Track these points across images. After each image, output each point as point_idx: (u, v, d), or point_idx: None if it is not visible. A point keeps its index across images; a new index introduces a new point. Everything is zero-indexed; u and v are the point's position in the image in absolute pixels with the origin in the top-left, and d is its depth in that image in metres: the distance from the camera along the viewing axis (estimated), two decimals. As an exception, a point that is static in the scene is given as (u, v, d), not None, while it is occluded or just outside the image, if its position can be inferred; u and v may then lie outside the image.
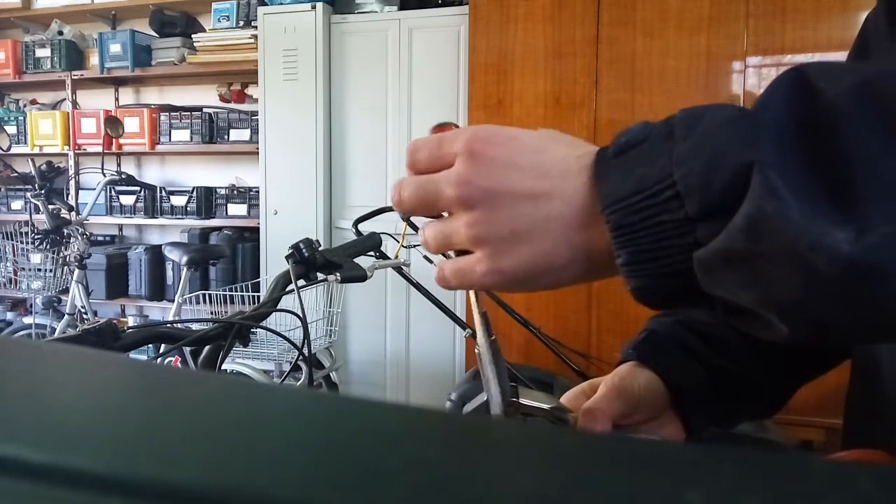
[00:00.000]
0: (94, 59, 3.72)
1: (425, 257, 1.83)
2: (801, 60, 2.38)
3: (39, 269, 3.13)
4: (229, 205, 3.45)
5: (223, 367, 0.96)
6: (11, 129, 3.73)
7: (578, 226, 0.37)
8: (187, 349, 1.57)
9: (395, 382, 3.13)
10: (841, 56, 0.58)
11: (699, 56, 2.47)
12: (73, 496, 0.16)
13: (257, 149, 3.20)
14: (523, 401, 0.50)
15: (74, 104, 3.81)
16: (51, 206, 2.78)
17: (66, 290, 2.98)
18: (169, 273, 3.54)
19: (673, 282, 0.35)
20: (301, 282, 1.03)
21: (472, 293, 0.48)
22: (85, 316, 2.87)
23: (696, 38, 2.47)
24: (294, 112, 3.10)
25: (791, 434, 2.17)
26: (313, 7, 3.02)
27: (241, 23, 3.35)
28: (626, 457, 0.19)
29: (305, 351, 0.97)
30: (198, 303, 2.38)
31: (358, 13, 3.08)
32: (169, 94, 3.87)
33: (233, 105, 3.61)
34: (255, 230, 3.30)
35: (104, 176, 2.95)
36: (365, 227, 1.70)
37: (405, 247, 1.78)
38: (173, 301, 2.43)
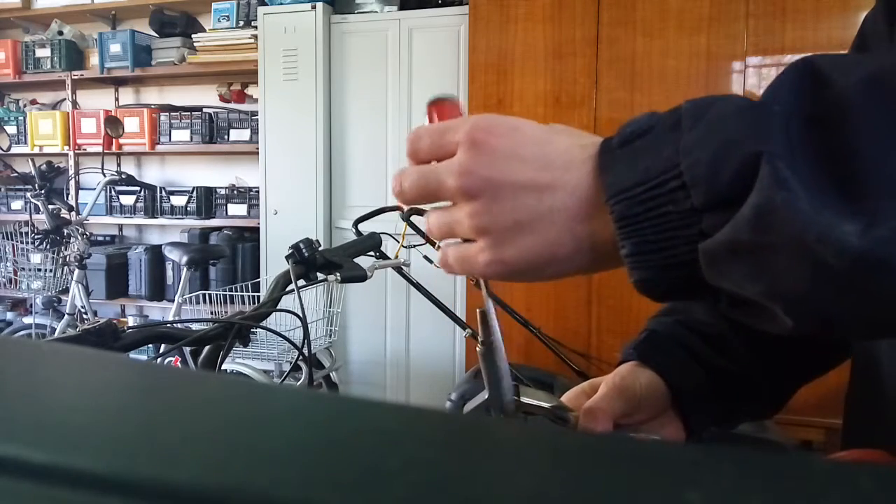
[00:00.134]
0: (94, 59, 3.72)
1: (425, 257, 1.83)
2: (801, 60, 2.38)
3: (39, 269, 3.13)
4: (229, 205, 3.45)
5: (223, 367, 0.96)
6: (11, 129, 3.73)
7: (582, 217, 0.36)
8: (187, 349, 1.57)
9: (395, 382, 3.13)
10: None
11: (699, 56, 2.47)
12: (73, 496, 0.16)
13: (257, 149, 3.20)
14: (524, 400, 0.50)
15: (74, 104, 3.81)
16: (51, 206, 2.78)
17: (66, 290, 2.98)
18: (169, 273, 3.54)
19: (677, 273, 0.34)
20: (301, 282, 1.03)
21: (482, 281, 0.47)
22: (85, 316, 2.87)
23: (696, 38, 2.47)
24: (294, 112, 3.09)
25: (791, 434, 2.17)
26: (313, 7, 3.02)
27: (241, 23, 3.35)
28: (626, 457, 0.19)
29: (305, 351, 0.97)
30: (198, 303, 2.38)
31: (358, 13, 3.08)
32: (169, 94, 3.87)
33: (233, 105, 3.61)
34: (255, 230, 3.30)
35: (104, 176, 2.95)
36: (365, 227, 1.70)
37: (405, 247, 1.78)
38: (173, 301, 2.43)
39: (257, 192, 3.29)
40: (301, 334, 0.99)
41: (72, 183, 3.68)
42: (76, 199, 3.65)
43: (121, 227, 3.96)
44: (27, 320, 3.19)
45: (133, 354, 0.82)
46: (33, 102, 4.13)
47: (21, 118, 3.85)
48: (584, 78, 2.61)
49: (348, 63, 3.08)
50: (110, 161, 3.79)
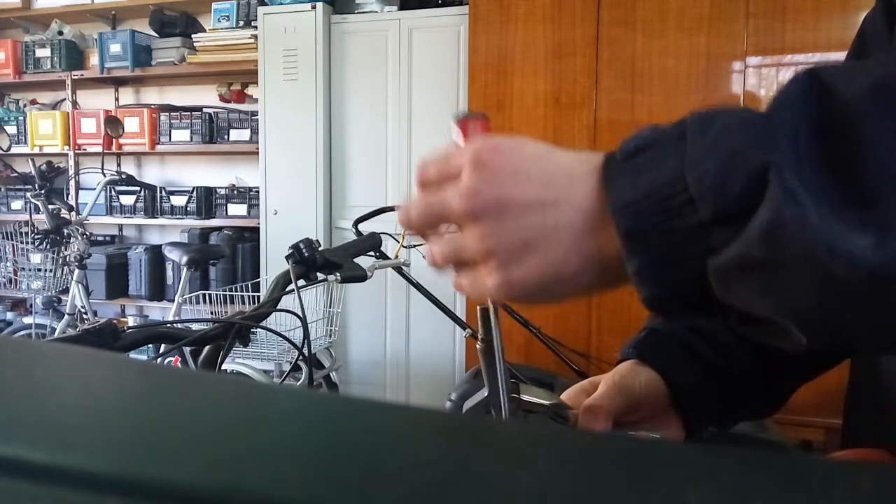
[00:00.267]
0: (94, 59, 3.72)
1: (425, 257, 1.83)
2: (801, 60, 2.38)
3: (39, 269, 3.13)
4: (229, 205, 3.45)
5: (223, 367, 0.96)
6: (11, 129, 3.73)
7: (588, 232, 0.36)
8: (187, 349, 1.57)
9: (395, 382, 3.13)
10: (840, 56, 0.58)
11: (699, 56, 2.47)
12: (73, 496, 0.16)
13: (257, 149, 3.20)
14: (524, 398, 0.50)
15: (74, 104, 3.81)
16: (51, 206, 2.78)
17: (66, 290, 2.98)
18: (169, 273, 3.54)
19: (686, 290, 0.33)
20: (301, 282, 1.03)
21: (490, 306, 0.46)
22: (85, 316, 2.87)
23: (696, 38, 2.47)
24: (294, 112, 3.10)
25: (791, 434, 2.17)
26: (313, 7, 3.02)
27: (241, 23, 3.35)
28: (626, 457, 0.19)
29: (305, 351, 0.97)
30: (198, 303, 2.38)
31: (358, 13, 3.08)
32: (169, 94, 3.87)
33: (233, 105, 3.61)
34: (255, 230, 3.30)
35: (104, 176, 2.95)
36: (365, 227, 1.70)
37: (405, 247, 1.78)
38: (173, 301, 2.43)
39: (257, 192, 3.29)
40: (301, 334, 0.99)
41: (72, 183, 3.68)
42: (76, 199, 3.65)
43: (121, 227, 3.96)
44: (27, 320, 3.19)
45: (133, 354, 0.82)
46: (33, 102, 4.13)
47: (21, 118, 3.85)
48: (584, 78, 2.60)
49: (348, 63, 3.08)
50: (110, 161, 3.79)
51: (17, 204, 3.84)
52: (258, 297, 2.19)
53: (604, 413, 0.51)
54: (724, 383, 0.55)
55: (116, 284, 3.54)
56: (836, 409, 0.59)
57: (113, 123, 3.04)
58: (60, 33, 3.81)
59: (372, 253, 1.43)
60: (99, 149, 3.35)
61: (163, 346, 1.23)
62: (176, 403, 0.23)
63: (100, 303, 3.49)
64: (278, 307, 1.01)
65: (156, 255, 3.52)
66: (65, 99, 3.85)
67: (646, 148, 0.34)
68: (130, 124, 3.52)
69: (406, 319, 3.08)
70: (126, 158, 3.95)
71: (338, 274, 1.06)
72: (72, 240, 2.86)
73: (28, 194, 2.95)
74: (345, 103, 3.10)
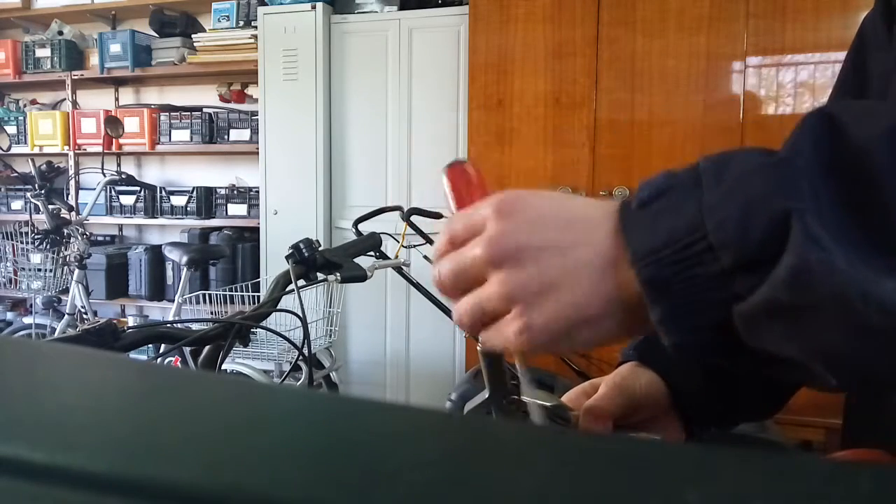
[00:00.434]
0: (94, 59, 3.72)
1: (425, 257, 1.83)
2: (801, 60, 2.38)
3: (39, 269, 3.13)
4: (229, 205, 3.45)
5: (223, 367, 0.96)
6: (11, 129, 3.73)
7: (608, 272, 0.36)
8: (187, 349, 1.57)
9: (395, 382, 3.13)
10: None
11: (699, 56, 2.47)
12: (73, 496, 0.16)
13: (257, 149, 3.20)
14: (525, 399, 0.50)
15: (74, 104, 3.81)
16: (51, 206, 2.78)
17: (66, 290, 2.98)
18: (169, 273, 3.54)
19: (711, 335, 0.33)
20: (301, 282, 1.03)
21: (515, 357, 0.45)
22: (85, 316, 2.87)
23: (696, 38, 2.47)
24: (294, 112, 3.10)
25: (791, 434, 2.16)
26: (313, 7, 3.02)
27: (241, 23, 3.35)
28: (626, 457, 0.19)
29: (305, 351, 0.97)
30: (198, 303, 2.38)
31: (358, 13, 3.08)
32: (169, 94, 3.87)
33: (233, 105, 3.61)
34: (255, 230, 3.30)
35: (104, 176, 2.95)
36: (365, 227, 1.70)
37: (405, 247, 1.78)
38: (173, 301, 2.43)
39: (257, 192, 3.29)
40: (301, 334, 0.99)
41: (72, 183, 3.69)
42: (76, 199, 3.65)
43: (121, 227, 3.96)
44: (27, 320, 3.19)
45: (133, 354, 0.82)
46: (33, 102, 4.14)
47: (21, 118, 3.85)
48: (584, 78, 2.60)
49: (348, 63, 3.08)
50: (110, 161, 3.79)
51: (17, 204, 3.84)
52: (258, 297, 2.18)
53: (604, 415, 0.51)
54: (724, 384, 0.55)
55: (116, 284, 3.54)
56: (836, 409, 0.59)
57: (113, 123, 3.04)
58: (60, 33, 3.81)
59: (372, 253, 1.43)
60: (99, 149, 3.35)
61: (163, 346, 1.23)
62: (176, 403, 0.23)
63: (100, 303, 3.49)
64: (278, 307, 1.01)
65: (156, 255, 3.53)
66: (65, 99, 3.86)
67: (660, 195, 0.34)
68: (130, 124, 3.53)
69: (406, 319, 3.08)
70: (126, 158, 3.95)
71: (338, 274, 1.06)
72: (72, 240, 2.86)
73: (28, 194, 2.95)
74: (345, 103, 3.10)
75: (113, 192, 3.60)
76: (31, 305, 3.33)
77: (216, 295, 2.27)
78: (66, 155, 3.75)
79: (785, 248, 0.30)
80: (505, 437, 0.22)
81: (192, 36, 3.46)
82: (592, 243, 0.36)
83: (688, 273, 0.32)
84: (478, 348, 0.49)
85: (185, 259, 2.32)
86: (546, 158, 2.67)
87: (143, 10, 3.65)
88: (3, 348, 0.30)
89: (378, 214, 1.92)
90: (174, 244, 2.48)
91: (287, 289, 1.01)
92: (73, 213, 2.90)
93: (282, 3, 3.09)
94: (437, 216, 1.88)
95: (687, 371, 0.55)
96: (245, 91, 3.61)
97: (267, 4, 3.14)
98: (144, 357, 2.37)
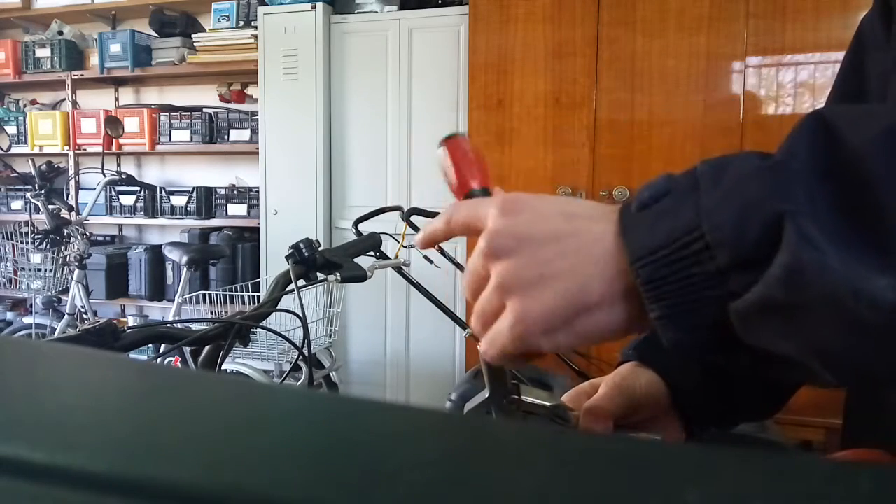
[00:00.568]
0: (94, 59, 3.72)
1: (425, 257, 1.83)
2: (801, 60, 2.38)
3: (39, 269, 3.13)
4: (229, 205, 3.45)
5: (223, 367, 0.96)
6: (11, 129, 3.73)
7: (608, 259, 0.36)
8: (187, 349, 1.57)
9: (395, 382, 3.13)
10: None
11: (699, 56, 2.47)
12: (73, 496, 0.16)
13: (257, 149, 3.20)
14: (525, 399, 0.50)
15: (74, 104, 3.81)
16: (51, 206, 2.78)
17: (66, 290, 2.98)
18: (169, 273, 3.54)
19: (708, 333, 0.34)
20: (301, 282, 1.03)
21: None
22: (85, 316, 2.87)
23: (696, 38, 2.47)
24: (294, 112, 3.10)
25: (791, 434, 2.17)
26: (313, 7, 3.02)
27: (241, 23, 3.35)
28: (626, 457, 0.19)
29: (305, 351, 0.97)
30: (198, 303, 2.38)
31: (358, 13, 3.08)
32: (169, 94, 3.87)
33: (233, 105, 3.61)
34: (255, 230, 3.30)
35: (104, 176, 2.95)
36: (365, 227, 1.70)
37: (405, 247, 1.78)
38: (173, 301, 2.43)
39: (257, 192, 3.29)
40: (301, 334, 0.99)
41: (72, 183, 3.69)
42: (76, 199, 3.65)
43: (121, 227, 3.96)
44: (27, 320, 3.19)
45: (133, 354, 0.82)
46: (33, 102, 4.14)
47: (21, 118, 3.85)
48: (584, 78, 2.60)
49: (348, 63, 3.08)
50: (110, 161, 3.79)
51: (17, 204, 3.84)
52: (258, 297, 2.19)
53: (604, 414, 0.51)
54: (724, 384, 0.55)
55: (116, 284, 3.54)
56: (836, 409, 0.59)
57: (113, 123, 3.04)
58: (60, 33, 3.81)
59: (372, 253, 1.43)
60: (99, 149, 3.35)
61: (163, 346, 1.23)
62: (176, 403, 0.23)
63: (100, 303, 3.49)
64: (278, 307, 1.01)
65: (156, 255, 3.53)
66: (65, 99, 3.86)
67: (659, 198, 0.35)
68: (130, 124, 3.53)
69: (406, 319, 3.08)
70: (126, 158, 3.95)
71: (338, 274, 1.06)
72: (72, 240, 2.86)
73: (28, 194, 2.95)
74: (345, 103, 3.10)
75: (113, 192, 3.60)
76: (31, 305, 3.33)
77: (216, 295, 2.27)
78: (66, 155, 3.75)
79: (779, 248, 0.30)
80: (505, 437, 0.22)
81: (192, 36, 3.46)
82: (593, 233, 0.37)
83: (685, 272, 0.33)
84: (479, 347, 0.49)
85: (185, 259, 2.32)
86: (546, 158, 2.67)
87: (143, 10, 3.65)
88: (3, 348, 0.30)
89: (378, 214, 1.92)
90: (174, 244, 2.48)
91: (287, 289, 1.01)
92: (73, 213, 2.90)
93: (282, 3, 3.09)
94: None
95: (687, 371, 0.55)
96: (245, 91, 3.61)
97: (267, 4, 3.14)
98: (144, 357, 2.37)
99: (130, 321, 3.46)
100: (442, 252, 1.79)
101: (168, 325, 0.92)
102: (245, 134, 3.39)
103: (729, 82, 2.46)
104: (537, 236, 0.37)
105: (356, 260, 1.13)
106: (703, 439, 0.56)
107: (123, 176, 3.07)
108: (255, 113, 3.31)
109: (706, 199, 0.33)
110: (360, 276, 1.09)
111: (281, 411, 0.23)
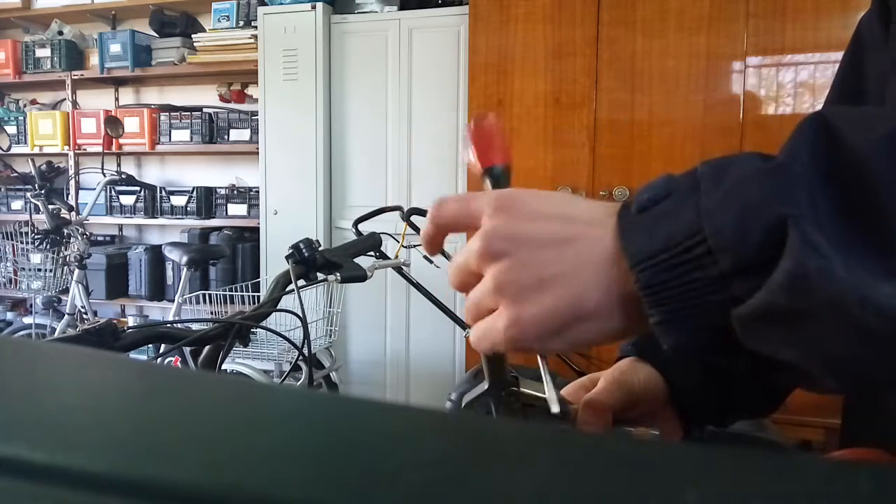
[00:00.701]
0: (94, 59, 3.72)
1: (425, 257, 1.83)
2: (801, 60, 2.38)
3: (39, 269, 3.13)
4: (229, 205, 3.45)
5: (223, 367, 0.96)
6: (11, 129, 3.72)
7: (607, 267, 0.35)
8: (187, 349, 1.57)
9: (395, 382, 3.13)
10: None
11: (699, 56, 2.47)
12: (73, 496, 0.16)
13: (257, 149, 3.20)
14: (524, 391, 0.50)
15: (74, 104, 3.81)
16: (51, 206, 2.78)
17: (66, 290, 2.98)
18: (169, 273, 3.54)
19: (709, 337, 0.34)
20: (301, 282, 1.03)
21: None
22: (85, 316, 2.87)
23: (696, 38, 2.47)
24: (294, 112, 3.10)
25: (791, 434, 2.17)
26: (313, 7, 3.02)
27: (241, 23, 3.35)
28: (626, 457, 0.19)
29: (305, 351, 0.97)
30: (198, 303, 2.38)
31: (358, 13, 3.08)
32: (169, 94, 3.87)
33: (233, 105, 3.61)
34: (255, 230, 3.30)
35: (104, 176, 2.95)
36: (365, 227, 1.70)
37: (405, 247, 1.78)
38: (173, 301, 2.43)
39: (257, 192, 3.29)
40: (301, 334, 0.99)
41: (72, 183, 3.68)
42: (76, 199, 3.65)
43: (121, 227, 3.96)
44: (27, 320, 3.19)
45: (133, 354, 0.82)
46: (33, 102, 4.13)
47: (21, 118, 3.85)
48: (584, 78, 2.60)
49: (348, 63, 3.08)
50: (110, 161, 3.79)
51: (17, 204, 3.84)
52: (258, 297, 2.18)
53: (603, 408, 0.51)
54: (722, 381, 0.55)
55: (116, 284, 3.54)
56: (835, 408, 0.60)
57: (113, 123, 3.04)
58: (60, 33, 3.81)
59: (372, 253, 1.43)
60: (99, 149, 3.35)
61: (163, 346, 1.23)
62: (176, 403, 0.23)
63: (100, 303, 3.49)
64: (278, 307, 1.01)
65: (156, 255, 3.53)
66: (65, 99, 3.85)
67: (659, 200, 0.34)
68: (130, 124, 3.52)
69: (406, 319, 3.08)
70: (126, 158, 3.95)
71: (338, 274, 1.06)
72: (72, 240, 2.86)
73: (28, 194, 2.95)
74: (345, 103, 3.10)
75: (113, 192, 3.60)
76: (31, 305, 3.33)
77: (216, 295, 2.27)
78: (66, 155, 3.75)
79: (782, 252, 0.30)
80: (505, 437, 0.22)
81: (192, 36, 3.46)
82: (592, 238, 0.36)
83: (687, 277, 0.32)
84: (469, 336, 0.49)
85: (185, 259, 2.32)
86: (546, 158, 2.67)
87: (143, 10, 3.65)
88: (3, 348, 0.30)
89: (378, 214, 1.92)
90: (174, 244, 2.48)
91: (287, 289, 1.01)
92: (73, 213, 2.90)
93: (282, 3, 3.09)
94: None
95: (685, 368, 0.55)
96: (245, 91, 3.61)
97: (267, 4, 3.14)
98: (144, 357, 2.37)
99: (130, 321, 3.46)
100: (442, 252, 1.79)
101: (168, 325, 0.92)
102: (245, 134, 3.39)
103: (729, 82, 2.46)
104: (535, 238, 0.36)
105: (356, 260, 1.13)
106: (702, 439, 0.56)
107: (123, 176, 3.07)
108: (255, 113, 3.31)
109: (707, 200, 0.32)
110: (360, 276, 1.09)
111: (281, 411, 0.23)
